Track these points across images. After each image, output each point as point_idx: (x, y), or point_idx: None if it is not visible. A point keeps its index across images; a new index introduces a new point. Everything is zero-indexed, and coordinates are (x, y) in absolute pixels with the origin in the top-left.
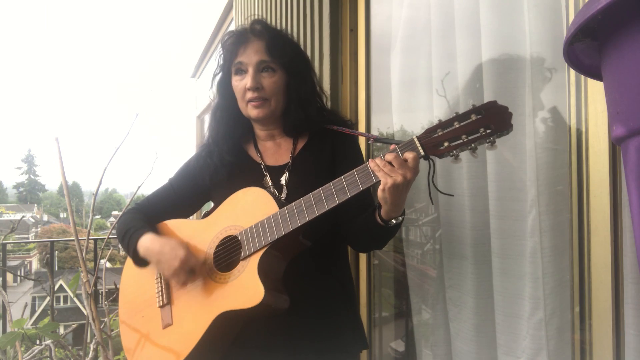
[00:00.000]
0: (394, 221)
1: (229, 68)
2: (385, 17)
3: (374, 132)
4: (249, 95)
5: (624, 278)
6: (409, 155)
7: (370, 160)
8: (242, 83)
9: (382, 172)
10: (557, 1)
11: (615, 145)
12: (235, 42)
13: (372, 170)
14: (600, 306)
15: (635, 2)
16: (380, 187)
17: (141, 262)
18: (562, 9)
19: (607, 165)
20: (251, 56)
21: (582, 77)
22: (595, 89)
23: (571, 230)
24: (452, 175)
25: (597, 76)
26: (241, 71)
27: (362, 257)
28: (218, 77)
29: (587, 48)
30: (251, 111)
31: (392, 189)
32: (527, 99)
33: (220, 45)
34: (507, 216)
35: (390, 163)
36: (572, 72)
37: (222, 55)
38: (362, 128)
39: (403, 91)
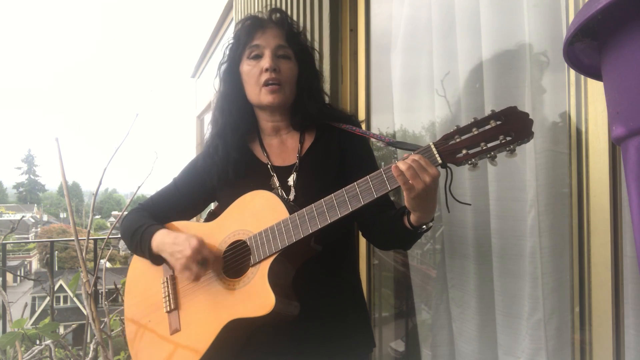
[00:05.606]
0: (424, 227)
1: (241, 52)
2: (386, 17)
3: (374, 132)
4: (266, 76)
5: (624, 278)
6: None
7: (393, 167)
8: (257, 66)
9: (403, 181)
10: (557, 1)
11: (615, 145)
12: (253, 26)
13: (386, 179)
14: (600, 306)
15: (635, 2)
16: (405, 198)
17: (156, 258)
18: (562, 8)
19: (607, 165)
20: (269, 40)
21: (582, 77)
22: (595, 89)
23: (571, 230)
24: (453, 175)
25: (597, 76)
26: (256, 56)
27: (362, 257)
28: (225, 65)
29: (587, 48)
30: (265, 97)
31: (417, 198)
32: (527, 99)
33: (233, 32)
34: (506, 216)
35: (409, 169)
36: (572, 72)
37: (233, 41)
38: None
39: (403, 91)
